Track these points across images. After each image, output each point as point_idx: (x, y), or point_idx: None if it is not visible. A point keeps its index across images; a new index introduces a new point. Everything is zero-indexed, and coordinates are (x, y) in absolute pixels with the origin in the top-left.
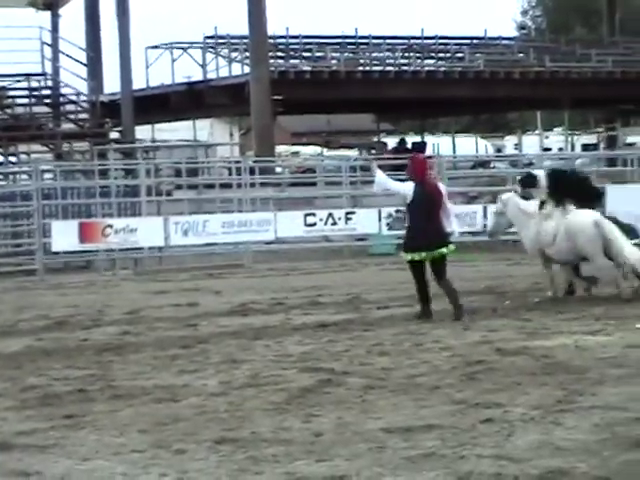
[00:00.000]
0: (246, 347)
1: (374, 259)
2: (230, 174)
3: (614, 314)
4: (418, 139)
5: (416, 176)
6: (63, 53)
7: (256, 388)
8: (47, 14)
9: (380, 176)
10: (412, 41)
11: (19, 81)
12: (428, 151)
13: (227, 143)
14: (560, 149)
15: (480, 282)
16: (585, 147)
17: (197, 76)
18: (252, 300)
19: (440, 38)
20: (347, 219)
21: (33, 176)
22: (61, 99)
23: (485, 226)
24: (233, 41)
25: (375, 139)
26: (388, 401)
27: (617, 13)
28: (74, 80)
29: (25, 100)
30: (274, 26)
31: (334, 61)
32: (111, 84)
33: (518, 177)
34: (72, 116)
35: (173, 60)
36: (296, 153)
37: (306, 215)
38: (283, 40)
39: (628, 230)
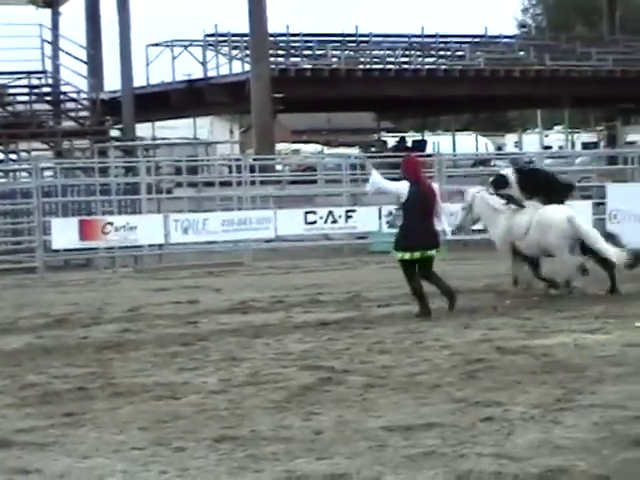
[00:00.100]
0: (246, 345)
1: (374, 257)
2: (230, 172)
3: (613, 313)
4: (418, 137)
5: (410, 176)
6: (63, 51)
7: (256, 386)
8: (47, 12)
9: (375, 176)
10: (413, 39)
11: (19, 79)
12: (428, 149)
13: (227, 141)
14: (560, 147)
15: (480, 281)
16: (585, 145)
17: (197, 74)
18: (252, 298)
19: (441, 36)
20: (347, 217)
21: (33, 174)
22: (61, 97)
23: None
24: (234, 39)
25: (375, 137)
26: (388, 399)
27: (617, 11)
28: (74, 78)
29: (25, 98)
30: (274, 24)
31: (334, 59)
32: (111, 82)
33: (490, 179)
34: (72, 114)
35: (173, 58)
36: (296, 151)
37: (306, 213)
38: (284, 38)
39: (608, 236)
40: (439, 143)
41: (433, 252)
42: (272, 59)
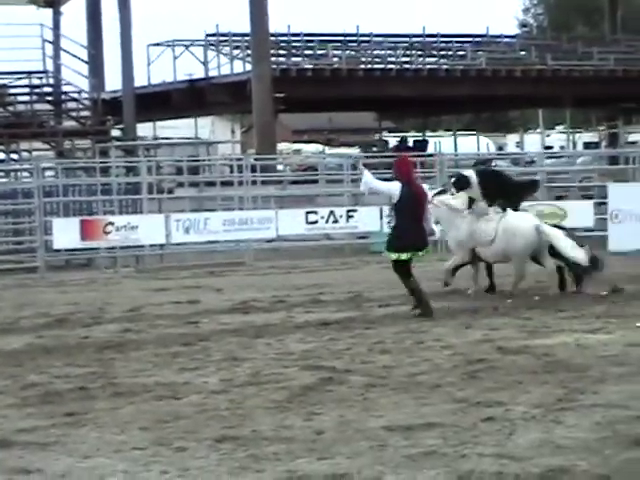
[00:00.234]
0: (247, 345)
1: (375, 257)
2: (231, 172)
3: (615, 312)
4: (420, 137)
5: (402, 177)
6: (64, 51)
7: (257, 386)
8: (49, 11)
9: (367, 176)
10: (414, 39)
11: (21, 78)
12: (430, 149)
13: (228, 141)
14: (562, 147)
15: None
16: (587, 145)
17: (199, 74)
18: (253, 298)
19: (442, 36)
20: (348, 217)
21: (34, 174)
22: (63, 97)
23: None
24: (235, 39)
25: (377, 137)
26: (389, 399)
27: (619, 11)
28: (76, 78)
29: (26, 98)
30: (276, 24)
31: (336, 59)
32: (113, 81)
33: (452, 179)
34: (74, 114)
35: (175, 58)
36: (298, 151)
37: (307, 213)
38: (285, 38)
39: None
40: (440, 143)
41: (422, 252)
42: (273, 59)
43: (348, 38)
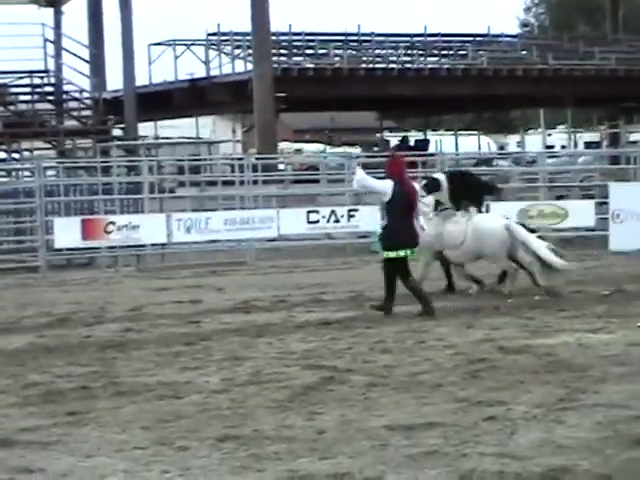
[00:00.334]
0: (249, 344)
1: (376, 256)
2: (233, 171)
3: (616, 312)
4: (421, 137)
5: (394, 175)
6: (66, 50)
7: (258, 385)
8: (50, 11)
9: (359, 174)
10: (415, 39)
11: (22, 78)
12: (431, 149)
13: (230, 140)
14: (563, 147)
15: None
16: (588, 145)
17: (200, 73)
18: (255, 297)
19: (443, 36)
20: (350, 216)
21: (36, 173)
22: (64, 96)
23: None
24: (236, 38)
25: (378, 137)
26: (391, 399)
27: (620, 11)
28: (77, 77)
29: (28, 97)
30: (277, 23)
31: (337, 58)
32: (114, 81)
33: (423, 182)
34: (75, 113)
35: (176, 57)
36: (299, 150)
37: (309, 212)
38: (286, 37)
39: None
40: (442, 142)
41: (414, 251)
42: (274, 58)
43: (349, 37)
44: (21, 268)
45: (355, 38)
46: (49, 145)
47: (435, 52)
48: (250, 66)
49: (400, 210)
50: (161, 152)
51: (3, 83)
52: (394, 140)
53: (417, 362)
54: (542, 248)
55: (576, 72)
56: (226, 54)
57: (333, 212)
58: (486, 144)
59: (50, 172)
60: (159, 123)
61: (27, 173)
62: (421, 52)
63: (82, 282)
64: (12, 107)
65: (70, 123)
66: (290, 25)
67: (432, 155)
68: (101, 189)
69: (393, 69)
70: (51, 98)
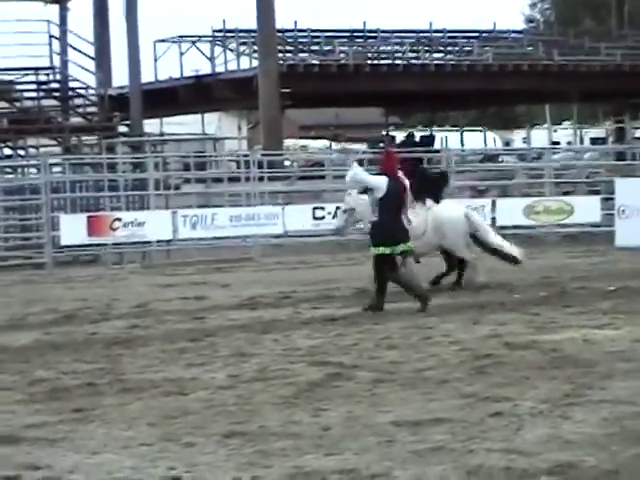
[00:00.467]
0: (254, 341)
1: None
2: (238, 168)
3: (622, 308)
4: (426, 133)
5: (388, 171)
6: (71, 47)
7: (264, 382)
8: (55, 8)
9: (356, 168)
10: (420, 34)
11: (27, 75)
12: (436, 145)
13: (235, 137)
14: (569, 143)
15: (489, 276)
16: (594, 141)
17: (205, 70)
18: (260, 294)
19: (448, 31)
20: None
21: (42, 169)
22: (69, 93)
23: (493, 219)
24: (241, 35)
25: (383, 133)
26: (397, 395)
27: (626, 6)
28: (82, 74)
29: (33, 94)
30: (282, 19)
31: (342, 54)
32: (119, 77)
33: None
34: (80, 110)
35: (181, 54)
36: (304, 147)
37: (314, 209)
38: (291, 33)
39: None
40: (447, 138)
41: (405, 247)
42: (280, 55)
43: (355, 34)
44: (27, 265)
45: (360, 34)
46: (55, 142)
47: (440, 48)
48: (255, 63)
49: (393, 206)
50: (167, 149)
51: (9, 80)
52: (400, 136)
53: (423, 358)
54: (498, 239)
55: (582, 67)
56: (231, 51)
57: (339, 208)
58: (492, 140)
59: (56, 169)
60: (164, 120)
61: (33, 170)
62: (426, 48)
63: (88, 279)
64: (18, 104)
65: (76, 120)
66: (295, 21)
67: (438, 151)
68: (107, 186)
69: (398, 65)
70: (57, 95)
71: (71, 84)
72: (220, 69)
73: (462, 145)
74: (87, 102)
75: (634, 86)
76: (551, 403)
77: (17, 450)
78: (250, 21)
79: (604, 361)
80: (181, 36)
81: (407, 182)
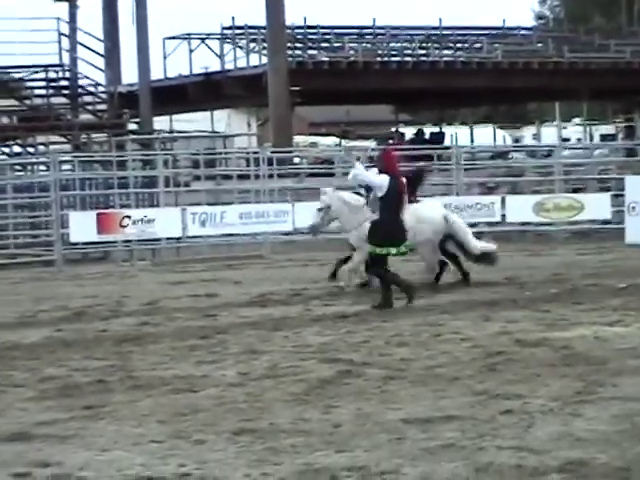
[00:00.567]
0: (265, 338)
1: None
2: (248, 165)
3: (632, 305)
4: (436, 130)
5: (389, 170)
6: (81, 44)
7: (275, 379)
8: (65, 5)
9: (358, 167)
10: (430, 31)
11: (37, 72)
12: (446, 142)
13: (245, 134)
14: (579, 140)
15: (500, 273)
16: (603, 138)
17: (215, 67)
18: (271, 291)
19: (458, 28)
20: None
21: (51, 167)
22: (79, 90)
23: (503, 217)
24: (251, 31)
25: (393, 130)
26: (407, 392)
27: (636, 3)
28: (92, 71)
29: (43, 91)
30: (292, 16)
31: (352, 51)
32: (129, 75)
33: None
34: (90, 107)
35: (191, 51)
36: (314, 144)
37: None
38: (301, 30)
39: None
40: (457, 135)
41: (403, 247)
42: (289, 51)
43: (364, 31)
44: (37, 262)
45: (370, 31)
46: (64, 139)
47: (450, 45)
48: (265, 59)
49: (394, 205)
50: (176, 146)
51: (18, 77)
52: (409, 133)
53: (434, 355)
54: (475, 240)
55: (592, 65)
56: (241, 48)
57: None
58: (501, 137)
59: (65, 166)
60: (174, 117)
61: (42, 167)
62: (436, 45)
63: (98, 276)
64: (27, 101)
65: (85, 117)
66: (305, 18)
67: (447, 148)
68: (116, 183)
69: (408, 62)
70: (66, 92)
71: (81, 82)
72: (229, 66)
73: (472, 142)
74: (97, 99)
75: None
76: (562, 400)
77: (28, 447)
78: (259, 18)
79: (615, 358)
80: (190, 33)
81: (404, 180)
